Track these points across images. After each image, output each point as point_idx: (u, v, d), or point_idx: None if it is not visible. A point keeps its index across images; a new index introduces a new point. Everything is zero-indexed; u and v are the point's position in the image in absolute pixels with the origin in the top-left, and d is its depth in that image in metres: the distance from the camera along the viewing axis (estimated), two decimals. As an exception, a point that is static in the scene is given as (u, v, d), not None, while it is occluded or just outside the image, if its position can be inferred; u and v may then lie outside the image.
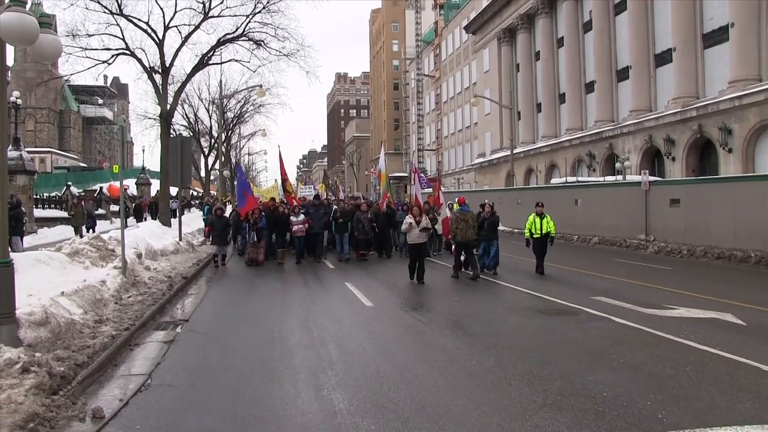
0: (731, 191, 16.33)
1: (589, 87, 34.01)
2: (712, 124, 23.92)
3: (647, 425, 4.34)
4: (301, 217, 15.73)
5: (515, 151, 36.24)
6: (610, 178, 26.67)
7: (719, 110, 23.41)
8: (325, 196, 22.58)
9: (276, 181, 33.03)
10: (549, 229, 12.75)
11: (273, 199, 18.70)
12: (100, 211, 35.30)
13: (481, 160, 48.53)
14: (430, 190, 23.58)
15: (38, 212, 26.00)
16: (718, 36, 24.67)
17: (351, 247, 16.44)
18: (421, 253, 11.74)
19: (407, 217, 11.93)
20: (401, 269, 13.90)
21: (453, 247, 13.13)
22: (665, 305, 8.96)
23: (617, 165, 28.26)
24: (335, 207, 17.30)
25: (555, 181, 31.83)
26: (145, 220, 27.90)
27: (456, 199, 14.29)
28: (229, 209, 20.47)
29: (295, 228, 15.60)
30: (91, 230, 22.18)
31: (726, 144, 23.22)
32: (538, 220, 12.78)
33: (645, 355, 6.26)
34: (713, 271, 13.78)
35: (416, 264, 11.69)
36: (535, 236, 12.78)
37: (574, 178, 29.50)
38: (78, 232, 21.17)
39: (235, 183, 33.57)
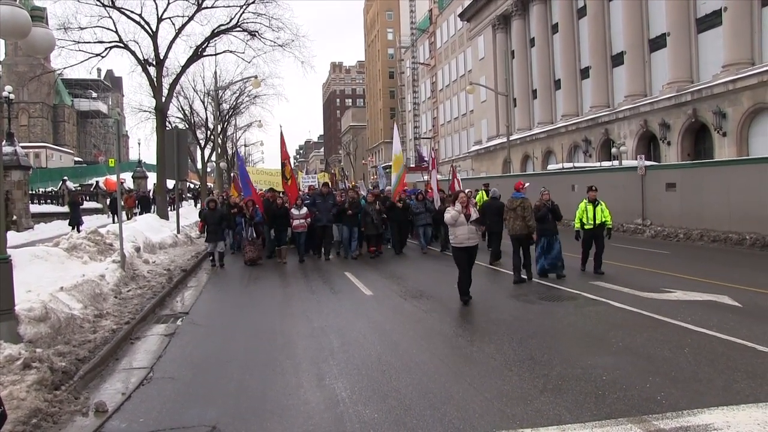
0: (726, 175, 16.37)
1: (584, 73, 33.92)
2: (707, 108, 23.93)
3: (646, 407, 4.38)
4: (304, 210, 14.06)
5: (512, 138, 36.20)
6: (606, 164, 26.71)
7: (713, 94, 23.42)
8: (331, 186, 20.50)
9: (278, 169, 31.99)
10: (605, 219, 10.71)
11: (271, 189, 17.28)
12: (97, 205, 35.25)
13: (477, 147, 48.48)
14: (426, 177, 23.38)
15: (34, 208, 25.92)
16: (712, 20, 24.61)
17: (359, 243, 14.72)
18: (472, 259, 8.67)
19: (450, 207, 8.85)
20: (411, 263, 13.71)
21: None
22: (663, 289, 9.01)
23: (613, 150, 28.28)
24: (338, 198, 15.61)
25: (552, 167, 31.86)
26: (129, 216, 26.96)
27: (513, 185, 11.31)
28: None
29: (295, 222, 13.97)
30: (77, 228, 20.93)
31: (720, 128, 23.25)
32: (590, 207, 10.74)
33: (643, 338, 6.31)
34: (709, 254, 13.85)
35: (469, 276, 8.63)
36: (587, 227, 10.76)
37: (570, 164, 29.51)
38: None
39: (232, 174, 33.33)
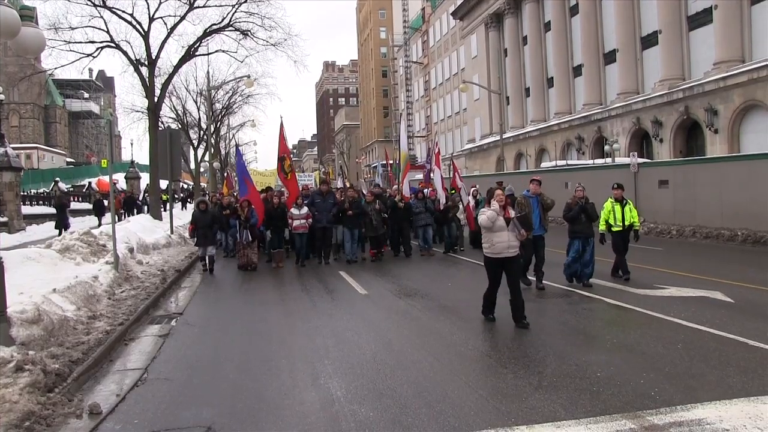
0: (718, 171, 16.49)
1: (577, 70, 34.04)
2: (698, 105, 24.08)
3: (641, 403, 4.41)
4: (304, 209, 13.19)
5: (505, 136, 36.29)
6: (599, 161, 26.83)
7: (705, 91, 23.57)
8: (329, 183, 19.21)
9: (271, 170, 31.63)
10: (633, 220, 9.81)
11: (270, 188, 16.36)
12: (89, 206, 35.02)
13: (471, 145, 48.56)
14: (420, 176, 23.25)
15: (26, 209, 25.76)
16: (702, 18, 24.76)
17: (360, 245, 14.05)
18: (511, 271, 7.09)
19: (484, 208, 7.20)
20: (407, 262, 13.62)
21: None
22: (656, 285, 9.07)
23: (606, 147, 28.42)
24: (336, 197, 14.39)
25: (545, 164, 31.93)
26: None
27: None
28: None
29: (296, 223, 13.10)
30: (64, 229, 20.47)
31: (712, 125, 23.40)
32: (618, 207, 9.81)
33: (637, 334, 6.35)
34: (702, 251, 13.95)
35: (497, 290, 7.19)
36: (615, 229, 9.78)
37: (563, 162, 29.62)
38: None
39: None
